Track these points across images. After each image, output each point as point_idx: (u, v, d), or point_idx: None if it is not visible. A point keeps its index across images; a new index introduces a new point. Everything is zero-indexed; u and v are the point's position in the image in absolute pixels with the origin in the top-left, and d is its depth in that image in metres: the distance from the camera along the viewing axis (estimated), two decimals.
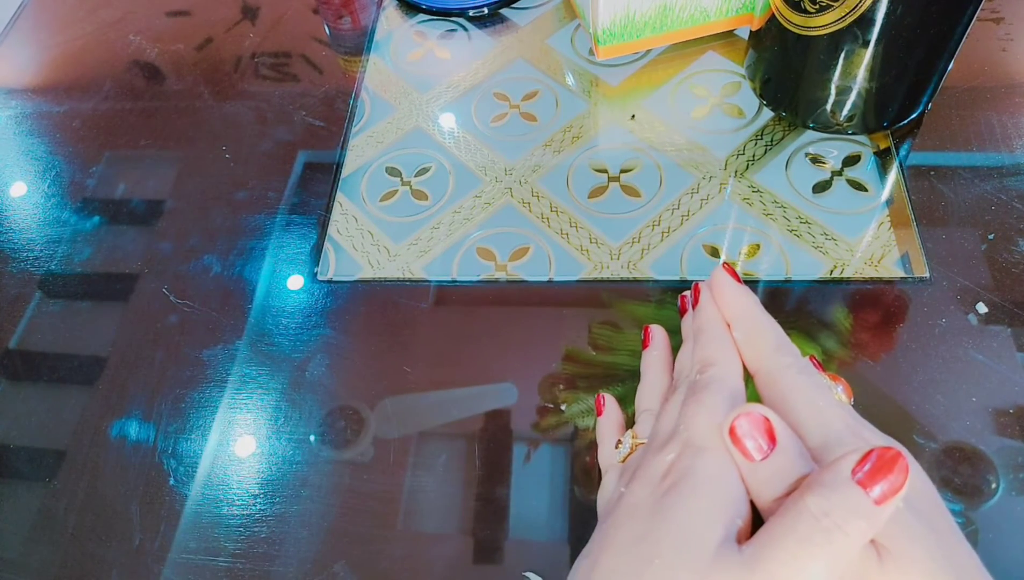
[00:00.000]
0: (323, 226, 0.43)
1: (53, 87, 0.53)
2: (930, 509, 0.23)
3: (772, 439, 0.23)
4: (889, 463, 0.21)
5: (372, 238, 0.42)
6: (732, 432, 0.23)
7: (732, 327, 0.29)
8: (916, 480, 0.24)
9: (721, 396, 0.26)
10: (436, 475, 0.34)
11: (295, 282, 0.41)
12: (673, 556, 0.22)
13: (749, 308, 0.29)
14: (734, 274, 0.30)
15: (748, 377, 0.28)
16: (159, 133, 0.49)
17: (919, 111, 0.41)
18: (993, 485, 0.31)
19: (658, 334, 0.33)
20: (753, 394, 0.27)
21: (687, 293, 0.33)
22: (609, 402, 0.33)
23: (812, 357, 0.30)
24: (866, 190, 0.40)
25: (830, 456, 0.23)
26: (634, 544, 0.23)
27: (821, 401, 0.25)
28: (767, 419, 0.23)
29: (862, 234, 0.39)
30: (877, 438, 0.25)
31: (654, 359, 0.32)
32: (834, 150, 0.42)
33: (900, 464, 0.21)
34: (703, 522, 0.22)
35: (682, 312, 0.33)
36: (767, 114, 0.44)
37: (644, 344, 0.33)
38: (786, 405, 0.25)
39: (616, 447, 0.30)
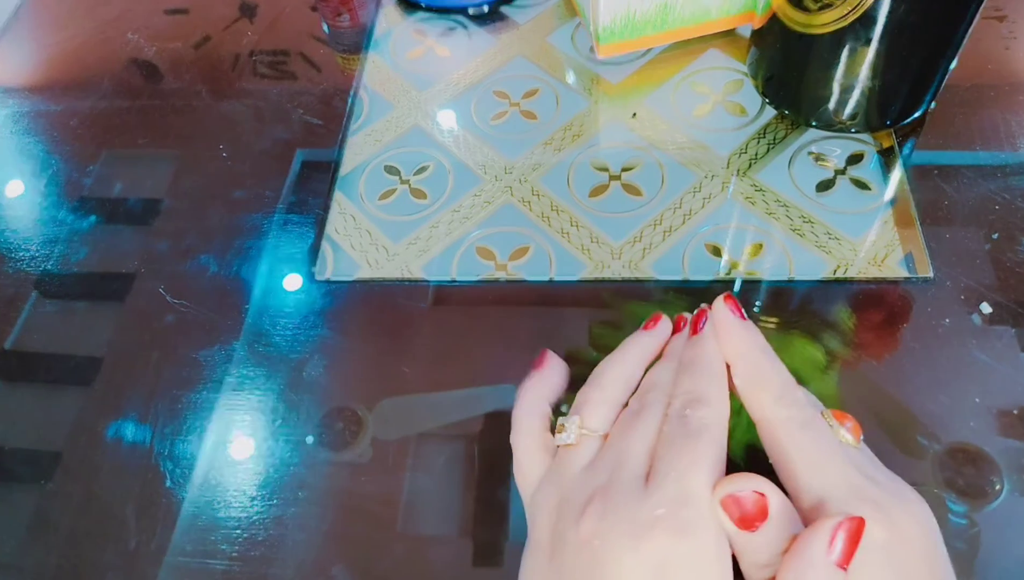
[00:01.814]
0: (321, 225, 0.42)
1: (50, 85, 0.52)
2: (915, 563, 0.23)
3: (764, 514, 0.22)
4: (847, 527, 0.21)
5: (370, 237, 0.41)
6: (725, 506, 0.22)
7: (732, 368, 0.27)
8: (911, 529, 0.23)
9: (714, 448, 0.24)
10: (435, 477, 0.34)
11: (293, 282, 0.40)
12: None
13: (752, 349, 0.27)
14: (738, 309, 0.28)
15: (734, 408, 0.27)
16: (156, 132, 0.49)
17: (922, 109, 0.41)
18: (997, 486, 0.31)
19: (664, 327, 0.30)
20: (744, 431, 0.26)
21: (687, 314, 0.31)
22: (554, 361, 0.30)
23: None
24: (869, 189, 0.40)
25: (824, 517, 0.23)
26: None
27: (823, 458, 0.24)
28: (761, 496, 0.22)
29: (865, 233, 0.38)
30: (883, 486, 0.24)
31: (642, 348, 0.30)
32: (837, 149, 0.42)
33: (857, 526, 0.21)
34: None
35: (675, 330, 0.30)
36: (769, 112, 0.44)
37: (645, 325, 0.30)
38: (786, 460, 0.24)
39: (558, 431, 0.27)
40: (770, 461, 0.26)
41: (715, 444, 0.24)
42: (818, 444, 0.24)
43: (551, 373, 0.30)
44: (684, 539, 0.22)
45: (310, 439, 0.35)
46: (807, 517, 0.23)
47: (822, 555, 0.21)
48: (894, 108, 0.40)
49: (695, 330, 0.28)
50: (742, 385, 0.27)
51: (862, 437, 0.29)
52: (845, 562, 0.21)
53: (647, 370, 0.29)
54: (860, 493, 0.23)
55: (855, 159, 0.41)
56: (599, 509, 0.23)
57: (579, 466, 0.26)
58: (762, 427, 0.26)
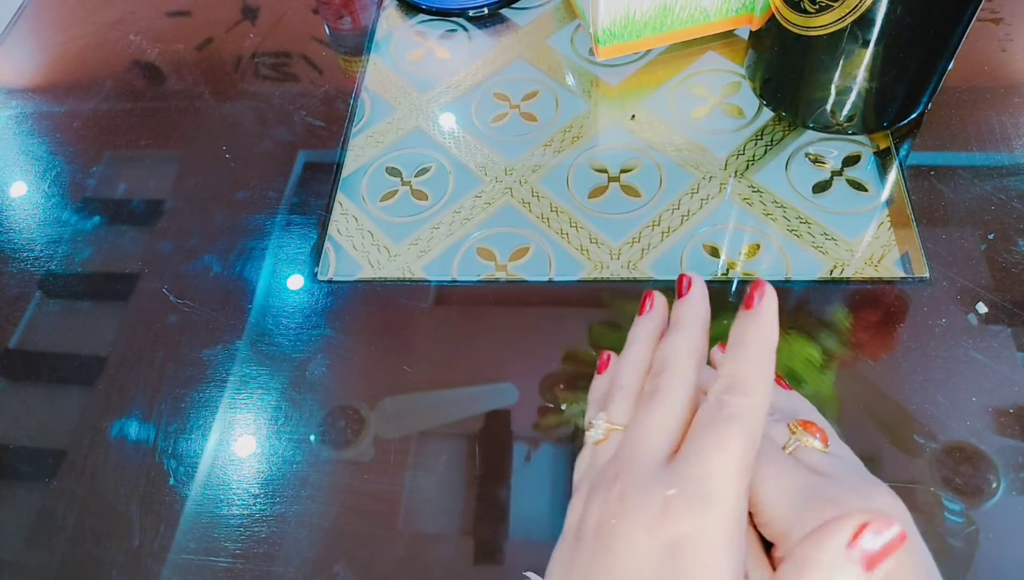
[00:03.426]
0: (323, 226, 0.43)
1: (54, 87, 0.53)
2: None
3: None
4: (890, 545, 0.20)
5: (372, 238, 0.42)
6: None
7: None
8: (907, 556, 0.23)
9: (744, 435, 0.23)
10: (436, 475, 0.34)
11: (295, 282, 0.41)
12: None
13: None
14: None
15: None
16: (159, 133, 0.49)
17: (919, 111, 0.41)
18: (994, 485, 0.31)
19: (660, 303, 0.29)
20: None
21: (686, 275, 0.29)
22: (613, 361, 0.30)
23: (802, 422, 0.27)
24: (866, 190, 0.40)
25: (787, 542, 0.22)
26: None
27: (770, 469, 0.24)
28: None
29: (862, 234, 0.39)
30: (846, 484, 0.24)
31: (648, 332, 0.29)
32: (834, 150, 0.42)
33: (899, 538, 0.20)
34: None
35: (679, 293, 0.28)
36: (767, 114, 0.44)
37: (640, 310, 0.29)
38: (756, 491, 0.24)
39: (587, 429, 0.27)
40: None
41: (745, 431, 0.23)
42: (763, 457, 0.25)
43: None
44: (697, 519, 0.22)
45: (312, 437, 0.35)
46: (771, 529, 0.23)
47: (842, 550, 0.20)
48: (891, 110, 0.40)
49: (749, 303, 0.26)
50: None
51: (830, 442, 0.29)
52: (868, 565, 0.20)
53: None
54: (817, 493, 0.23)
55: (852, 160, 0.41)
56: (618, 491, 0.23)
57: (607, 458, 0.26)
58: None
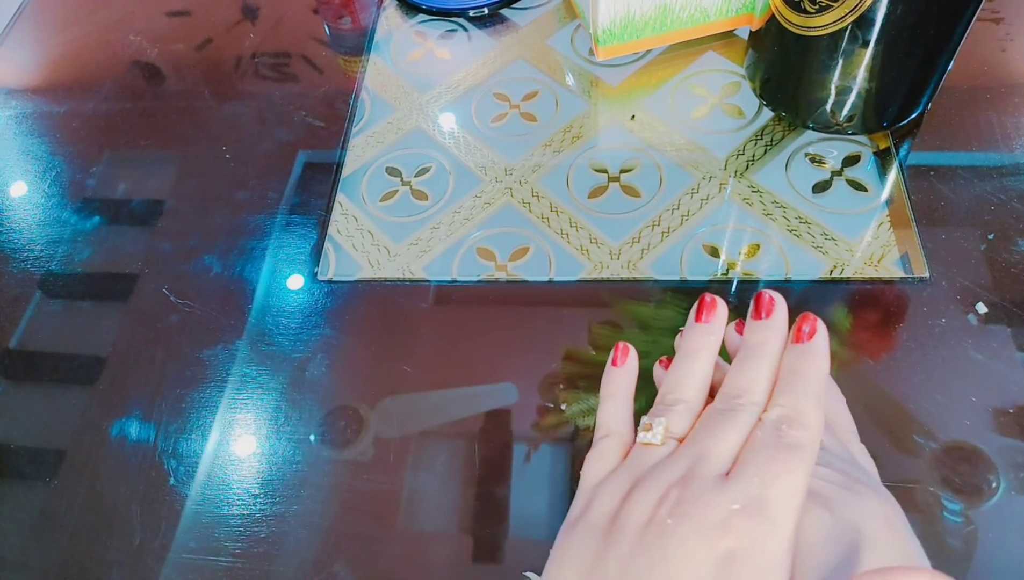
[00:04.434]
0: (323, 226, 0.43)
1: (53, 87, 0.53)
2: (873, 554, 0.22)
3: None
4: None
5: (372, 238, 0.42)
6: None
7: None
8: (863, 523, 0.23)
9: (805, 466, 0.23)
10: (436, 475, 0.34)
11: (295, 282, 0.41)
12: None
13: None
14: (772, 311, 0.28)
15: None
16: (159, 133, 0.49)
17: (919, 111, 0.41)
18: (993, 484, 0.31)
19: (720, 313, 0.28)
20: None
21: (766, 294, 0.28)
22: (632, 354, 0.30)
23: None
24: (866, 190, 0.40)
25: None
26: None
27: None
28: None
29: (862, 234, 0.39)
30: (835, 482, 0.24)
31: (711, 346, 0.28)
32: (834, 150, 0.42)
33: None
34: None
35: (759, 313, 0.28)
36: (767, 114, 0.44)
37: (698, 316, 0.28)
38: None
39: (644, 429, 0.27)
40: None
41: (806, 463, 0.24)
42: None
43: (633, 367, 0.30)
44: (756, 536, 0.22)
45: (312, 437, 0.35)
46: None
47: None
48: (891, 110, 0.40)
49: (797, 333, 0.27)
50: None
51: (853, 436, 0.30)
52: None
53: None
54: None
55: (852, 160, 0.41)
56: (676, 496, 0.23)
57: (657, 460, 0.26)
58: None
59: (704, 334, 0.28)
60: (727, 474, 0.24)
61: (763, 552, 0.22)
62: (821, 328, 0.26)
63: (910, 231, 0.39)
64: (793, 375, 0.26)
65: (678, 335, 0.29)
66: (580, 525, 0.25)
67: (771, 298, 0.28)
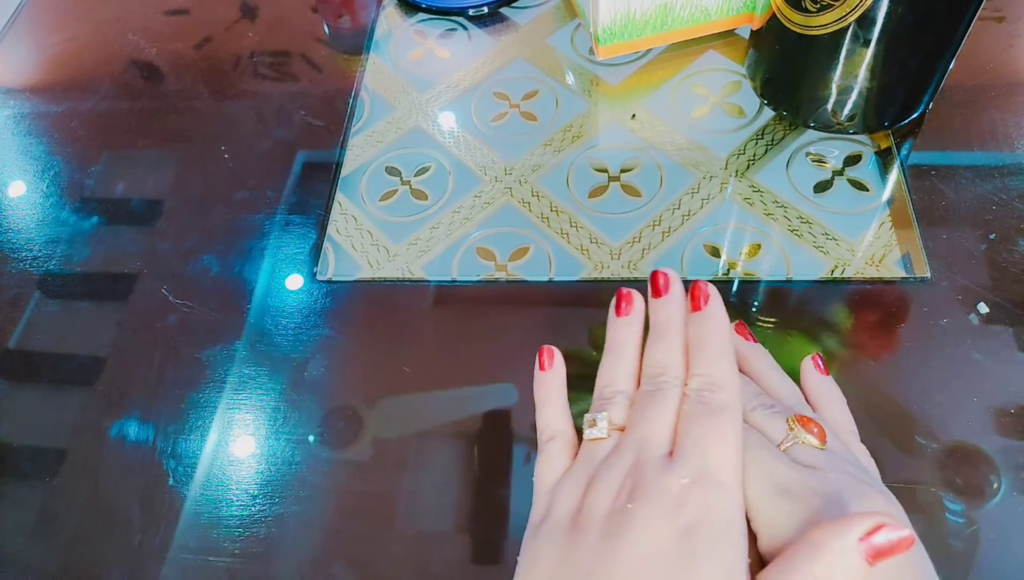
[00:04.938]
0: (322, 226, 0.42)
1: (51, 86, 0.53)
2: None
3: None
4: (898, 546, 0.22)
5: (371, 238, 0.42)
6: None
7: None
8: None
9: (734, 425, 0.25)
10: (435, 475, 0.34)
11: (294, 282, 0.41)
12: None
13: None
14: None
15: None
16: (158, 133, 0.49)
17: (920, 111, 0.41)
18: (995, 485, 0.31)
19: (638, 304, 0.30)
20: None
21: (660, 271, 0.30)
22: (557, 356, 0.31)
23: (801, 418, 0.27)
24: (867, 190, 0.40)
25: (772, 537, 0.24)
26: None
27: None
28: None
29: (863, 234, 0.39)
30: (837, 483, 0.25)
31: (632, 335, 0.30)
32: (835, 150, 0.42)
33: (907, 542, 0.22)
34: (736, 573, 0.22)
35: (656, 292, 0.29)
36: (768, 113, 0.44)
37: (618, 310, 0.30)
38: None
39: (589, 426, 0.28)
40: None
41: (734, 421, 0.26)
42: (751, 451, 0.26)
43: (561, 369, 0.31)
44: (711, 504, 0.23)
45: (311, 438, 0.35)
46: (755, 523, 0.24)
47: (854, 544, 0.21)
48: (892, 109, 0.40)
49: (695, 303, 0.29)
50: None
51: (854, 437, 0.30)
52: (873, 558, 0.21)
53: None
54: (803, 489, 0.24)
55: (853, 160, 0.41)
56: (631, 485, 0.25)
57: (606, 453, 0.27)
58: None
59: (626, 326, 0.30)
60: (671, 453, 0.25)
61: (719, 516, 0.23)
62: (713, 292, 0.28)
63: (911, 231, 0.38)
64: (700, 343, 0.28)
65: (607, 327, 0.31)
66: (544, 527, 0.26)
67: (664, 275, 0.30)
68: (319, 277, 0.41)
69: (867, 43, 0.36)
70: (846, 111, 0.40)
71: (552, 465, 0.28)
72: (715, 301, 0.28)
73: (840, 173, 0.41)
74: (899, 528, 0.22)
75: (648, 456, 0.25)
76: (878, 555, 0.21)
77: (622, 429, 0.27)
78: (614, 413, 0.28)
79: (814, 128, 0.42)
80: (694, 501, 0.23)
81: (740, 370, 0.29)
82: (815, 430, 0.27)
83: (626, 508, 0.24)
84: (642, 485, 0.24)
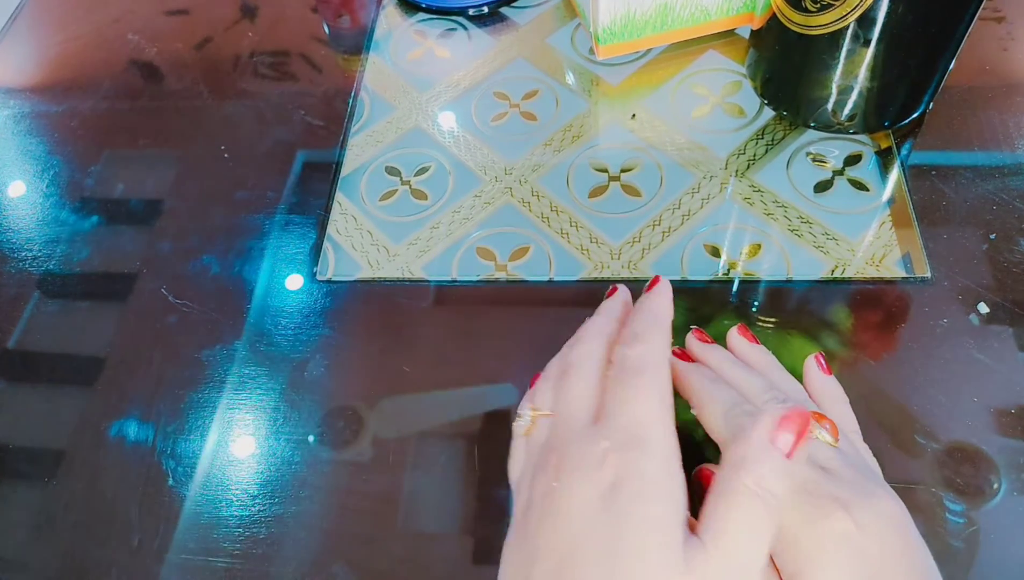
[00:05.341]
0: (322, 226, 0.42)
1: (51, 86, 0.53)
2: (885, 559, 0.23)
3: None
4: (794, 420, 0.23)
5: (371, 238, 0.42)
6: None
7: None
8: (875, 524, 0.23)
9: (656, 380, 0.25)
10: (436, 475, 0.34)
11: (294, 282, 0.41)
12: (646, 571, 0.22)
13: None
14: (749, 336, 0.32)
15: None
16: (158, 133, 0.49)
17: (920, 110, 0.41)
18: (995, 485, 0.31)
19: (619, 299, 0.31)
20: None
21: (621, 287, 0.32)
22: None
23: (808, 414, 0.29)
24: (867, 190, 0.40)
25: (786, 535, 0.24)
26: (599, 560, 0.22)
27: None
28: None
29: (863, 234, 0.39)
30: (848, 483, 0.25)
31: (599, 327, 0.30)
32: (835, 150, 0.42)
33: (805, 419, 0.23)
34: (666, 528, 0.22)
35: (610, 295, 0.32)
36: (768, 113, 0.44)
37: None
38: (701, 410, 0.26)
39: (516, 422, 0.29)
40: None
41: (657, 377, 0.25)
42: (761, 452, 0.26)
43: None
44: (632, 461, 0.23)
45: (311, 438, 0.35)
46: None
47: (766, 443, 0.23)
48: (892, 109, 0.40)
49: (646, 292, 0.30)
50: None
51: (857, 436, 0.30)
52: (788, 454, 0.23)
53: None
54: (819, 489, 0.24)
55: (853, 160, 0.41)
56: (555, 461, 0.25)
57: (540, 443, 0.27)
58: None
59: (593, 322, 0.31)
60: (597, 420, 0.25)
61: (642, 476, 0.23)
62: (665, 283, 0.30)
63: (912, 231, 0.38)
64: (634, 311, 0.29)
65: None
66: (510, 527, 0.26)
67: (616, 289, 0.32)
68: (319, 277, 0.40)
69: (867, 43, 0.36)
70: (846, 111, 0.40)
71: (513, 463, 0.29)
72: (662, 288, 0.29)
73: (840, 173, 0.41)
74: (794, 419, 0.23)
75: (569, 428, 0.25)
76: (792, 448, 0.23)
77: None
78: (537, 399, 0.28)
79: (814, 128, 0.42)
80: (615, 463, 0.23)
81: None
82: (828, 426, 0.27)
83: (552, 487, 0.24)
84: (566, 458, 0.24)
